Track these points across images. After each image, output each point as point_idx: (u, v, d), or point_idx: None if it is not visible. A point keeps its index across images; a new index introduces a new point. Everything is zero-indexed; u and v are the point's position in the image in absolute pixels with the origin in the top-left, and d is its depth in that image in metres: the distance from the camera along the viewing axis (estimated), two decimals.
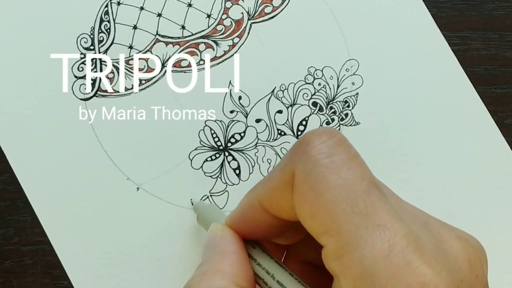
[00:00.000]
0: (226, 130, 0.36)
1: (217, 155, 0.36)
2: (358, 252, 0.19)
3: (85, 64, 0.36)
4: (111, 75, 0.36)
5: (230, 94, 0.36)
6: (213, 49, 0.36)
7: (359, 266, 0.19)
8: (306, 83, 0.36)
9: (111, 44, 0.36)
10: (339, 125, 0.36)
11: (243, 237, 0.26)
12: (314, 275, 0.26)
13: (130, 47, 0.36)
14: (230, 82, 0.36)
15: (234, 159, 0.36)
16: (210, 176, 0.35)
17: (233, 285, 0.23)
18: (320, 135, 0.22)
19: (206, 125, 0.36)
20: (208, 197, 0.35)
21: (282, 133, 0.36)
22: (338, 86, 0.36)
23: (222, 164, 0.35)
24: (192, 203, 0.35)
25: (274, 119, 0.36)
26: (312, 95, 0.36)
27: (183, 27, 0.36)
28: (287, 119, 0.36)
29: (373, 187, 0.21)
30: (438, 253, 0.20)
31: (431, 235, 0.21)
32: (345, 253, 0.20)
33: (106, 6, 0.36)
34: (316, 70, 0.36)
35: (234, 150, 0.36)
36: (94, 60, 0.36)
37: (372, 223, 0.20)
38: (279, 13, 0.37)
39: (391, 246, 0.19)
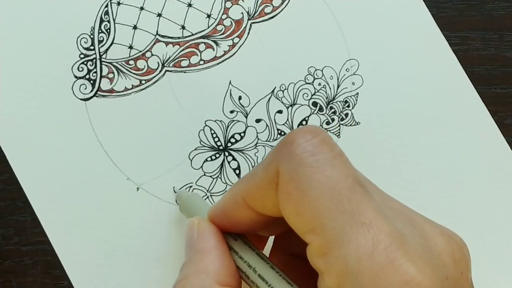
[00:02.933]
0: (226, 130, 0.36)
1: (217, 155, 0.36)
2: (342, 250, 0.19)
3: (85, 64, 0.36)
4: (111, 75, 0.36)
5: (230, 94, 0.36)
6: (213, 49, 0.36)
7: (343, 264, 0.19)
8: (306, 83, 0.36)
9: (111, 44, 0.36)
10: (339, 125, 0.36)
11: (225, 231, 0.26)
12: (300, 267, 0.26)
13: (130, 47, 0.36)
14: (230, 82, 0.36)
15: (234, 159, 0.36)
16: (210, 176, 0.35)
17: (216, 285, 0.23)
18: (305, 134, 0.22)
19: (206, 125, 0.36)
20: (208, 196, 0.35)
21: (282, 133, 0.36)
22: (338, 86, 0.36)
23: (222, 164, 0.35)
24: (174, 191, 0.34)
25: (274, 119, 0.36)
26: (312, 95, 0.36)
27: (183, 27, 0.36)
28: (287, 119, 0.36)
29: (357, 185, 0.21)
30: (423, 250, 0.20)
31: (416, 232, 0.21)
32: (330, 251, 0.20)
33: (106, 6, 0.36)
34: (316, 70, 0.36)
35: (234, 150, 0.36)
36: (94, 60, 0.36)
37: (357, 221, 0.20)
38: (279, 13, 0.37)
39: (375, 244, 0.19)
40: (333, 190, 0.20)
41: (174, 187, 0.34)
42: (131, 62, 0.36)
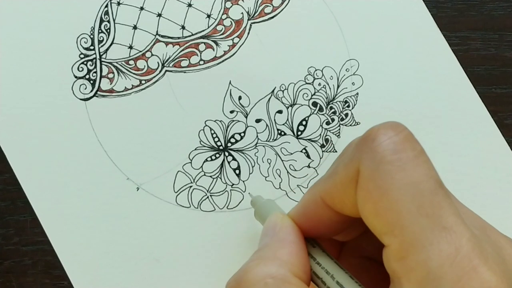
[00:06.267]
0: (226, 130, 0.36)
1: (217, 155, 0.36)
2: (424, 254, 0.19)
3: (85, 64, 0.36)
4: (111, 75, 0.36)
5: (230, 94, 0.36)
6: (213, 49, 0.36)
7: (424, 269, 0.19)
8: (306, 83, 0.36)
9: (111, 44, 0.36)
10: (339, 125, 0.36)
11: (304, 234, 0.25)
12: (372, 270, 0.26)
13: (130, 47, 0.36)
14: (230, 82, 0.36)
15: (234, 159, 0.36)
16: (210, 176, 0.35)
17: (290, 274, 0.22)
18: (387, 130, 0.21)
19: (206, 125, 0.36)
20: (208, 197, 0.35)
21: (282, 133, 0.36)
22: (338, 86, 0.36)
23: (222, 164, 0.35)
24: (250, 196, 0.34)
25: (274, 119, 0.36)
26: (312, 95, 0.36)
27: (183, 27, 0.36)
28: (287, 119, 0.36)
29: (439, 187, 0.20)
30: (499, 260, 0.20)
31: (490, 241, 0.21)
32: (409, 255, 0.19)
33: (106, 6, 0.36)
34: (316, 70, 0.36)
35: (234, 150, 0.36)
36: (94, 60, 0.36)
37: (438, 225, 0.19)
38: (279, 13, 0.37)
39: (457, 249, 0.19)
40: (415, 191, 0.20)
41: (249, 193, 0.34)
42: (131, 62, 0.36)
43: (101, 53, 0.36)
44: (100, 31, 0.36)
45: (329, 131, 0.36)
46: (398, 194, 0.20)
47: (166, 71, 0.36)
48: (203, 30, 0.37)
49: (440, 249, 0.19)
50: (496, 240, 0.21)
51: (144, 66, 0.36)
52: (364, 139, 0.22)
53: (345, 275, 0.24)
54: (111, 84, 0.36)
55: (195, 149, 0.35)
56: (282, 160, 0.36)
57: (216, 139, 0.36)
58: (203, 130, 0.36)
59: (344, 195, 0.22)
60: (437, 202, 0.20)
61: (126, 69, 0.36)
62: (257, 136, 0.36)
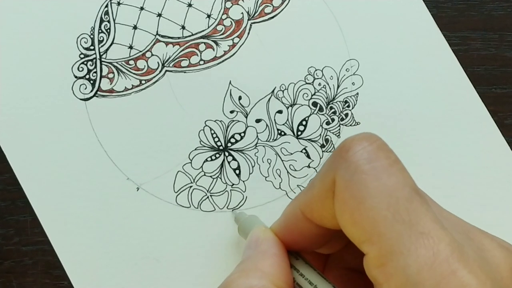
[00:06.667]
0: (226, 130, 0.36)
1: (217, 155, 0.36)
2: (402, 260, 0.19)
3: (85, 64, 0.36)
4: (111, 75, 0.36)
5: (230, 94, 0.36)
6: (213, 49, 0.36)
7: (403, 275, 0.19)
8: (306, 83, 0.36)
9: (111, 44, 0.36)
10: (339, 125, 0.36)
11: (286, 247, 0.26)
12: (357, 281, 0.26)
13: (130, 47, 0.36)
14: (230, 82, 0.36)
15: (234, 159, 0.36)
16: (210, 176, 0.35)
17: (271, 285, 0.23)
18: (360, 141, 0.21)
19: (206, 125, 0.36)
20: (208, 197, 0.35)
21: (282, 133, 0.36)
22: (338, 86, 0.36)
23: (222, 164, 0.35)
24: (232, 212, 0.35)
25: (274, 119, 0.36)
26: (312, 95, 0.36)
27: (183, 27, 0.36)
28: (287, 119, 0.36)
29: (414, 194, 0.20)
30: (482, 262, 0.20)
31: (473, 244, 0.21)
32: (388, 262, 0.20)
33: (106, 6, 0.36)
34: (316, 70, 0.36)
35: (234, 150, 0.36)
36: (94, 60, 0.36)
37: (415, 231, 0.19)
38: (279, 13, 0.37)
39: (435, 254, 0.19)
40: (390, 199, 0.20)
41: (232, 210, 0.35)
42: (131, 62, 0.36)
43: (101, 53, 0.36)
44: (100, 31, 0.36)
45: (329, 131, 0.36)
46: (373, 202, 0.20)
47: (166, 71, 0.36)
48: (203, 30, 0.37)
49: (417, 254, 0.19)
50: (480, 242, 0.21)
51: (144, 66, 0.36)
52: (338, 150, 0.22)
53: (328, 285, 0.24)
54: (111, 84, 0.36)
55: (195, 149, 0.35)
56: (282, 160, 0.36)
57: (216, 139, 0.36)
58: (203, 130, 0.36)
59: (322, 207, 0.23)
60: (413, 208, 0.20)
61: (126, 69, 0.36)
62: (257, 136, 0.36)
